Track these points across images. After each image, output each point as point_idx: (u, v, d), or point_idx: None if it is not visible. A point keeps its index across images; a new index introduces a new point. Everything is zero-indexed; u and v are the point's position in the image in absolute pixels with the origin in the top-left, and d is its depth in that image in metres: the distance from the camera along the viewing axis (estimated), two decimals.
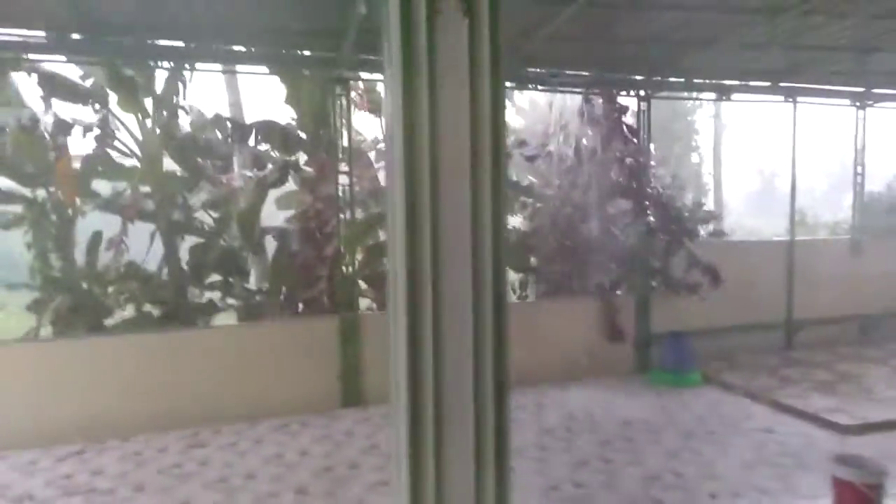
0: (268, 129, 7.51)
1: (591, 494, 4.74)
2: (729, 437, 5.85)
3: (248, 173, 7.75)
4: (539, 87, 8.15)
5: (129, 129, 7.55)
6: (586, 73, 8.11)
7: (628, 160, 8.21)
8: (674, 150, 16.57)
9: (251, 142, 7.48)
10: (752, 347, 9.09)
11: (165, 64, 6.84)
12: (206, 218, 8.11)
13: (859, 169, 9.87)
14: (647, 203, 8.31)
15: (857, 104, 9.74)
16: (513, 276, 10.85)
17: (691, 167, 16.66)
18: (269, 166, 7.79)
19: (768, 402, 6.81)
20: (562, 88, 8.24)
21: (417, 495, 2.04)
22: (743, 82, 8.87)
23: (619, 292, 8.43)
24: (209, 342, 6.76)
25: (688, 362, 7.80)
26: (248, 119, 8.56)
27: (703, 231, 10.04)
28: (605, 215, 8.57)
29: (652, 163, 8.97)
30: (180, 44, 6.28)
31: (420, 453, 2.04)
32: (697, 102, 14.86)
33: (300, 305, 7.69)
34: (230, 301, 7.75)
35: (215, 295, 7.77)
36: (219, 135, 7.73)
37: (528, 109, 10.40)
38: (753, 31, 6.74)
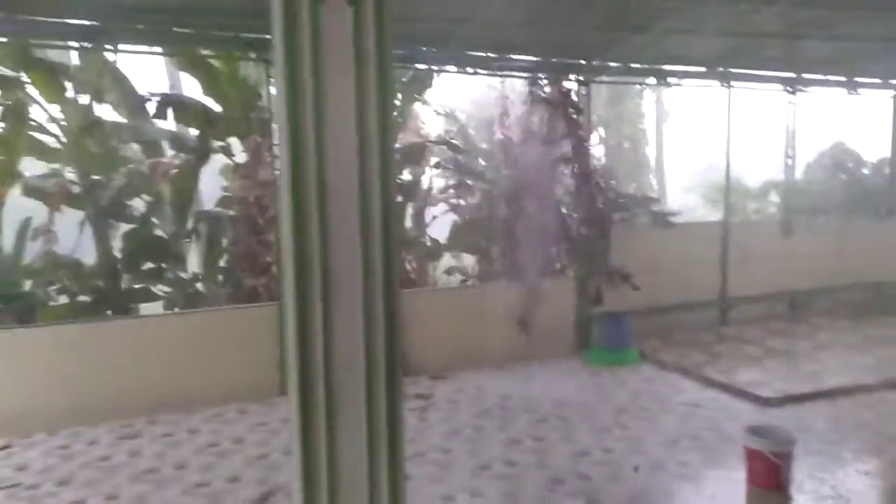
0: (188, 106, 7.28)
1: (522, 473, 4.87)
2: (658, 413, 6.07)
3: (169, 159, 7.54)
4: (481, 72, 8.13)
5: (48, 111, 7.25)
6: (528, 58, 8.18)
7: (571, 143, 8.32)
8: (624, 135, 16.80)
9: (169, 117, 7.20)
10: (690, 325, 9.40)
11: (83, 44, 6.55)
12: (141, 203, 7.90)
13: (790, 152, 10.25)
14: (587, 187, 8.46)
15: (789, 89, 10.08)
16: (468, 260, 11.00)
17: (639, 151, 16.94)
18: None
19: (698, 377, 7.08)
20: (503, 73, 8.25)
21: (310, 481, 2.06)
22: (679, 67, 9.08)
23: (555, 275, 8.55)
24: (144, 331, 6.60)
25: (625, 341, 8.03)
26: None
27: (645, 215, 10.28)
28: (546, 199, 8.69)
29: (593, 147, 9.10)
30: (96, 23, 6.02)
31: (311, 439, 2.06)
32: (644, 88, 15.05)
33: (241, 292, 7.59)
34: (164, 289, 7.58)
35: (150, 283, 7.58)
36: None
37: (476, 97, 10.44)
38: (684, 18, 6.86)
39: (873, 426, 5.61)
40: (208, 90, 7.75)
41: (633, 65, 8.57)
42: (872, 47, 8.46)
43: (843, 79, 10.15)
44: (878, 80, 10.66)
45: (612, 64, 8.42)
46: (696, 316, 9.62)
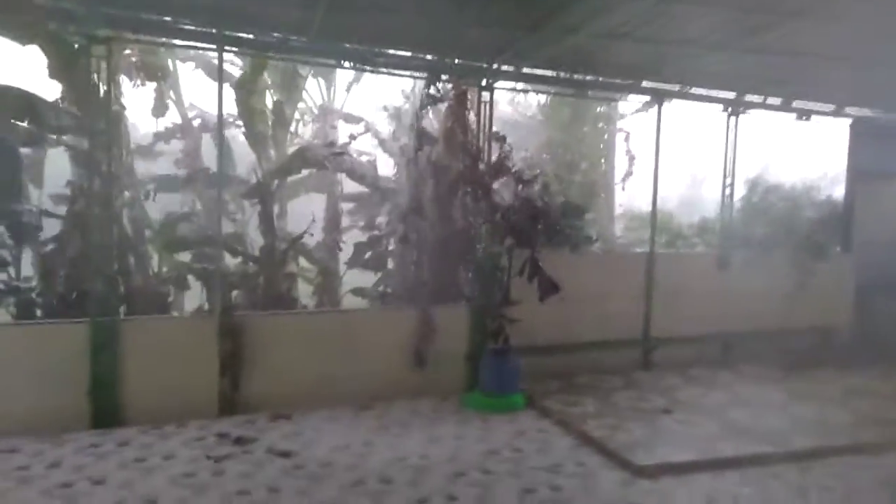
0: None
1: None
2: (503, 478, 5.00)
3: None
4: (363, 67, 7.20)
5: None
6: (422, 56, 7.27)
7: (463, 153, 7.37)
8: (579, 156, 15.68)
9: None
10: (607, 366, 8.36)
11: None
12: None
13: (728, 180, 9.27)
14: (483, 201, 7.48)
15: (729, 110, 9.14)
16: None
17: (597, 173, 15.78)
18: None
19: (577, 432, 6.03)
20: (387, 70, 7.29)
21: None
22: (599, 78, 8.14)
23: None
24: None
25: (509, 384, 6.96)
26: None
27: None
28: (444, 215, 7.71)
29: (505, 159, 8.07)
30: None
31: None
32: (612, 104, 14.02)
33: None
34: None
35: None
36: None
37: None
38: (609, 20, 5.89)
39: None
40: (55, 73, 6.89)
41: (535, 70, 7.62)
42: (821, 65, 7.51)
43: (785, 101, 9.24)
44: (832, 107, 9.75)
45: (507, 68, 7.44)
46: (615, 356, 8.58)
